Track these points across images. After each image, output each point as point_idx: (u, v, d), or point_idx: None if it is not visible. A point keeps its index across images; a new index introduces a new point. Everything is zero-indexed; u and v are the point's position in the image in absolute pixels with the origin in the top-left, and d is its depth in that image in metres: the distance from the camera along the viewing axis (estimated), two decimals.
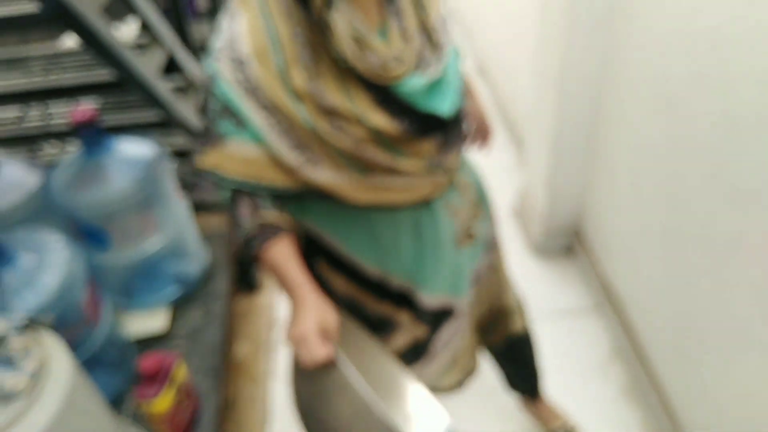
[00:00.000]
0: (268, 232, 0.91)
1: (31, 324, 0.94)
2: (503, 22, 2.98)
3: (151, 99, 1.15)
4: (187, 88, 1.49)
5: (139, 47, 1.26)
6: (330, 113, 0.86)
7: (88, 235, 1.35)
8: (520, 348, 1.50)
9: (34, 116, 1.69)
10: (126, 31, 1.68)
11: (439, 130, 0.96)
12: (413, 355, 1.20)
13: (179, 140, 1.69)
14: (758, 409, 1.23)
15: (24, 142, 1.65)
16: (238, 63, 0.84)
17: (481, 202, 1.17)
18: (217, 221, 1.78)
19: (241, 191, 0.91)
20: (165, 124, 1.47)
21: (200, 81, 1.51)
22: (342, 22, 0.83)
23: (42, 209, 1.36)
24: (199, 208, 1.84)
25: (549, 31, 1.85)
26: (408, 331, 1.15)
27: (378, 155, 0.91)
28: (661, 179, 1.53)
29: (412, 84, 0.90)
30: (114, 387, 1.34)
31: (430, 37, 0.95)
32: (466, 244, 1.13)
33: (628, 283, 1.82)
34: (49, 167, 1.41)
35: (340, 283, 1.07)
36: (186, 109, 1.35)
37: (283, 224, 0.93)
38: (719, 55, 1.23)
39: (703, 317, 1.41)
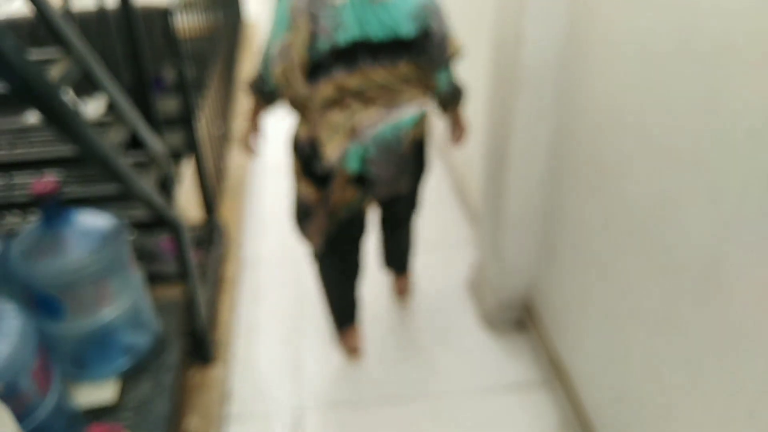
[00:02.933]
0: (269, 96, 1.83)
1: None
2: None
3: (112, 174, 1.21)
4: (148, 163, 1.55)
5: (102, 124, 1.33)
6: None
7: (43, 304, 1.36)
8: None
9: None
10: (90, 108, 1.75)
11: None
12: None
13: (138, 213, 1.74)
14: None
15: None
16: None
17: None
18: (170, 293, 1.80)
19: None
20: (125, 197, 1.52)
21: (161, 155, 1.58)
22: None
23: None
24: (154, 279, 1.86)
25: (498, 117, 1.99)
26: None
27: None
28: (600, 256, 1.64)
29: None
30: None
31: None
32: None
33: (575, 357, 1.89)
34: (8, 236, 1.44)
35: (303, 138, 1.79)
36: (146, 184, 1.40)
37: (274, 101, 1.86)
38: (646, 141, 1.37)
39: (638, 390, 1.48)
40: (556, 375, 2.00)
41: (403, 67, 1.66)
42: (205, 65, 3.01)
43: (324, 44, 1.59)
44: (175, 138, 4.08)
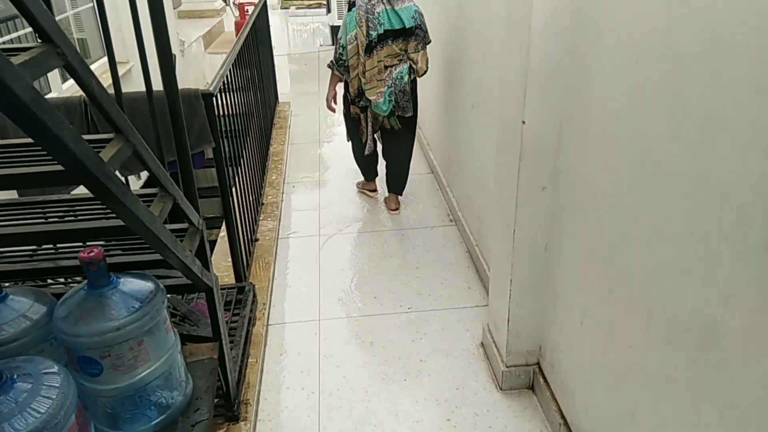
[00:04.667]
0: (342, 69, 3.31)
1: None
2: (471, 176, 3.19)
3: (154, 244, 1.23)
4: (186, 231, 1.58)
5: (147, 198, 1.37)
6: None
7: (83, 364, 1.37)
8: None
9: (45, 252, 1.77)
10: (137, 183, 1.80)
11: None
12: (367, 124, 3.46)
13: (176, 278, 1.76)
14: None
15: (34, 274, 1.70)
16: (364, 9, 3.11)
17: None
18: (202, 352, 1.80)
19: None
20: (164, 263, 1.54)
21: (198, 225, 1.61)
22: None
23: (43, 338, 1.39)
24: (186, 338, 1.86)
25: (503, 187, 2.02)
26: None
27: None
28: (606, 321, 1.61)
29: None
30: None
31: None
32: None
33: (584, 419, 1.83)
34: (53, 300, 1.46)
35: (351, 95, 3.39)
36: (184, 252, 1.43)
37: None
38: (641, 215, 1.37)
39: None
40: None
41: (405, 43, 3.20)
42: (241, 140, 3.10)
43: (373, 33, 3.13)
44: (213, 205, 4.15)
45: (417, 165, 4.48)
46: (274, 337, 2.65)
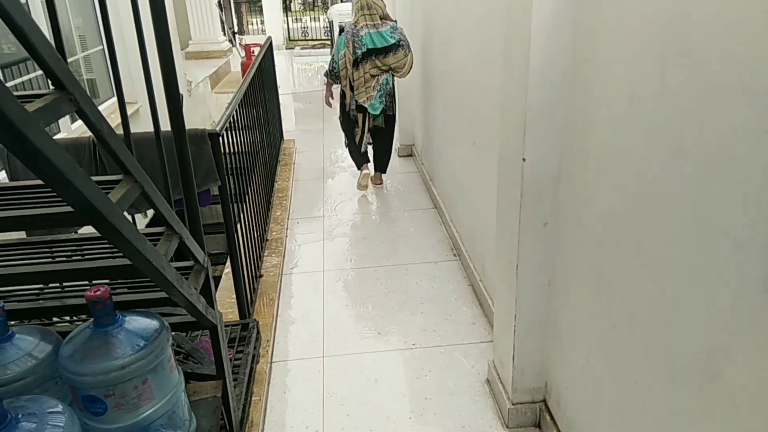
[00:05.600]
0: (335, 78, 4.43)
1: None
2: (474, 211, 3.21)
3: (161, 283, 1.25)
4: (191, 269, 1.60)
5: (153, 237, 1.39)
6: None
7: (87, 403, 1.37)
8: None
9: (51, 291, 1.78)
10: (143, 221, 1.82)
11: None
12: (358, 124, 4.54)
13: (180, 315, 1.76)
14: None
15: (40, 313, 1.71)
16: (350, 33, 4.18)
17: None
18: (205, 389, 1.79)
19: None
20: (169, 302, 1.55)
21: (203, 263, 1.62)
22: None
23: (48, 377, 1.40)
24: (190, 377, 1.85)
25: (505, 223, 2.03)
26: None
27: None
28: (610, 357, 1.60)
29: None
30: None
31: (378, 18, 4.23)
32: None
33: None
34: (59, 338, 1.46)
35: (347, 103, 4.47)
36: (188, 290, 1.44)
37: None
38: (641, 253, 1.37)
39: None
40: None
41: (387, 59, 4.15)
42: (246, 177, 3.13)
43: (359, 51, 4.11)
44: (219, 241, 4.17)
45: (420, 199, 4.51)
46: (277, 375, 2.64)
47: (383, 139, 4.65)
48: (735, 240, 1.04)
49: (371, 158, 4.75)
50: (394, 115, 4.55)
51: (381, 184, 4.85)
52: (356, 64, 4.15)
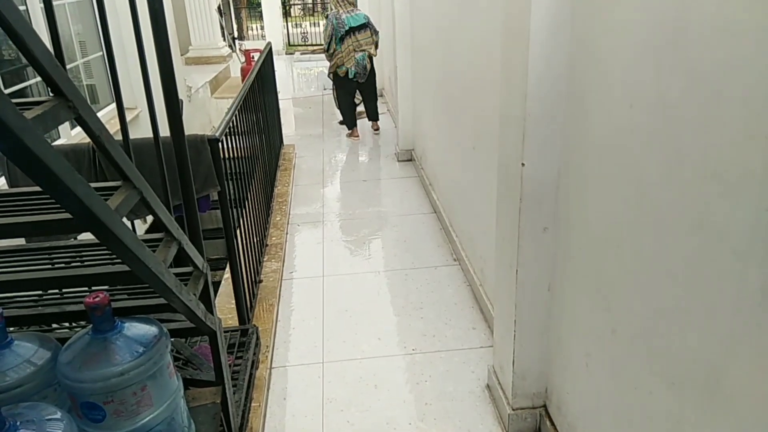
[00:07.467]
0: (331, 54, 6.15)
1: None
2: (474, 216, 3.21)
3: (160, 290, 1.24)
4: (190, 275, 1.59)
5: (152, 243, 1.39)
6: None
7: (86, 410, 1.36)
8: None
9: (50, 297, 1.77)
10: (142, 227, 1.82)
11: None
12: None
13: (179, 321, 1.76)
14: None
15: (39, 320, 1.71)
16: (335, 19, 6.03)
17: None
18: (204, 395, 1.78)
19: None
20: (169, 308, 1.55)
21: (202, 269, 1.62)
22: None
23: (47, 384, 1.39)
24: (189, 383, 1.85)
25: (505, 229, 2.03)
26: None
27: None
28: (611, 363, 1.60)
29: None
30: None
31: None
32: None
33: None
34: (58, 345, 1.46)
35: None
36: (187, 296, 1.43)
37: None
38: (641, 260, 1.37)
39: None
40: None
41: (363, 34, 5.96)
42: (246, 182, 3.13)
43: (342, 30, 5.89)
44: (218, 246, 4.17)
45: (420, 205, 4.51)
46: (277, 381, 2.63)
47: (370, 94, 6.37)
48: (734, 246, 1.04)
49: (364, 113, 6.54)
50: (373, 76, 6.22)
51: (378, 129, 6.58)
52: (342, 39, 5.88)
